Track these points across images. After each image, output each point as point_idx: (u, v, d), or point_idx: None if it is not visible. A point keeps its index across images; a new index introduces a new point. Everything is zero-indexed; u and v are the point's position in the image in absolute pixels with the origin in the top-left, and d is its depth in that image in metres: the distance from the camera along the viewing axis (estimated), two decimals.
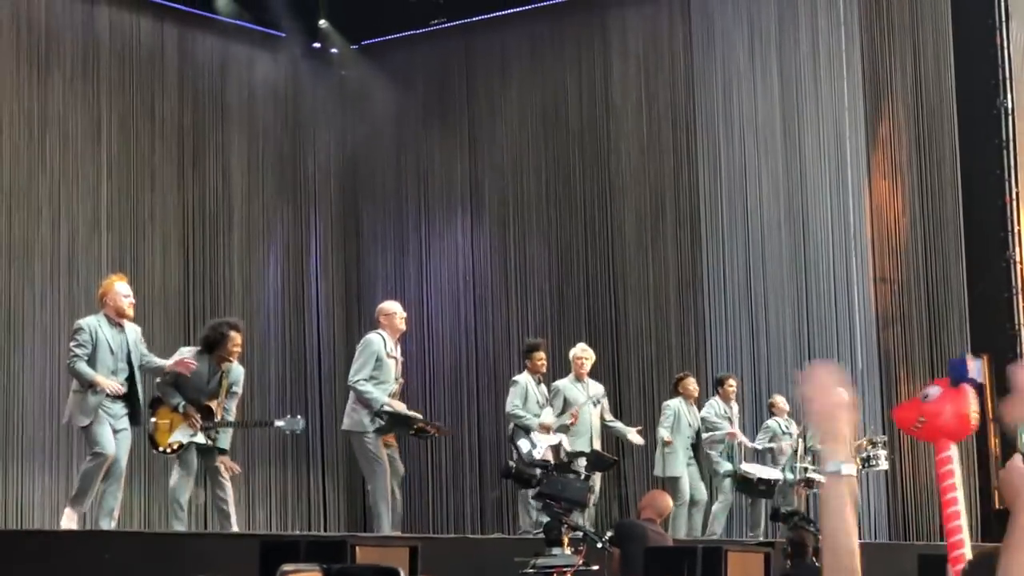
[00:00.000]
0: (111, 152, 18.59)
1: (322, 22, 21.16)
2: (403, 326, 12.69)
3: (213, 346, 11.89)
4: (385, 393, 12.34)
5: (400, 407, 12.42)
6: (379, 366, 12.39)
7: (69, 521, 11.07)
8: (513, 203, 20.54)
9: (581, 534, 9.37)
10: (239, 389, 12.13)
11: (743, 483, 16.13)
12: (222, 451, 11.95)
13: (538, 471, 9.04)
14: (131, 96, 18.97)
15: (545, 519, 9.43)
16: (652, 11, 19.89)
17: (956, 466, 4.87)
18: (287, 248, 20.78)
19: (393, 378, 12.51)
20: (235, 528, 12.01)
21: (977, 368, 5.30)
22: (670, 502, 11.76)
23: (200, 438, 11.76)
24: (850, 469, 3.00)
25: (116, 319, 11.31)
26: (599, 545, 9.95)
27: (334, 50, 21.69)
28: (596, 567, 9.39)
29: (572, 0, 20.32)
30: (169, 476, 12.09)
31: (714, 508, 16.35)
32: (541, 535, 9.47)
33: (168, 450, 11.79)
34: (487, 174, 20.84)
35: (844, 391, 3.04)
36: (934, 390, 5.08)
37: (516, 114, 20.72)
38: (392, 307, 12.87)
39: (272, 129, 20.75)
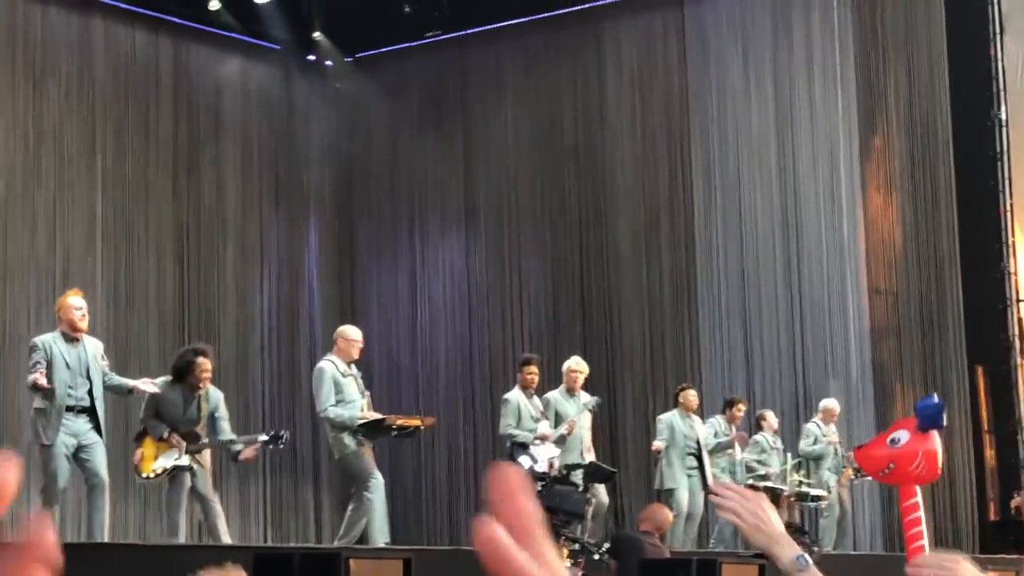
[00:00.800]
0: (106, 165, 18.59)
1: (317, 35, 21.19)
2: (356, 354, 12.70)
3: (182, 374, 11.89)
4: (356, 409, 12.35)
5: (373, 416, 12.41)
6: (340, 388, 12.39)
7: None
8: (508, 216, 20.55)
9: (579, 546, 9.38)
10: (223, 412, 12.12)
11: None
12: (235, 455, 12.07)
13: (538, 484, 9.04)
14: (126, 109, 18.97)
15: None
16: (646, 24, 19.92)
17: (921, 514, 4.82)
18: (282, 261, 20.78)
19: (359, 394, 12.49)
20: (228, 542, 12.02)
21: (944, 414, 5.24)
22: (669, 516, 11.76)
23: (184, 460, 11.77)
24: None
25: (72, 333, 11.31)
26: (596, 557, 9.97)
27: (329, 63, 21.71)
28: None
29: (566, 13, 20.34)
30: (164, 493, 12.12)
31: (720, 521, 16.35)
32: None
33: (152, 475, 11.79)
34: (481, 187, 20.85)
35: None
36: (903, 434, 5.00)
37: (511, 127, 20.74)
38: (352, 333, 12.87)
39: (267, 142, 20.76)
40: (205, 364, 11.89)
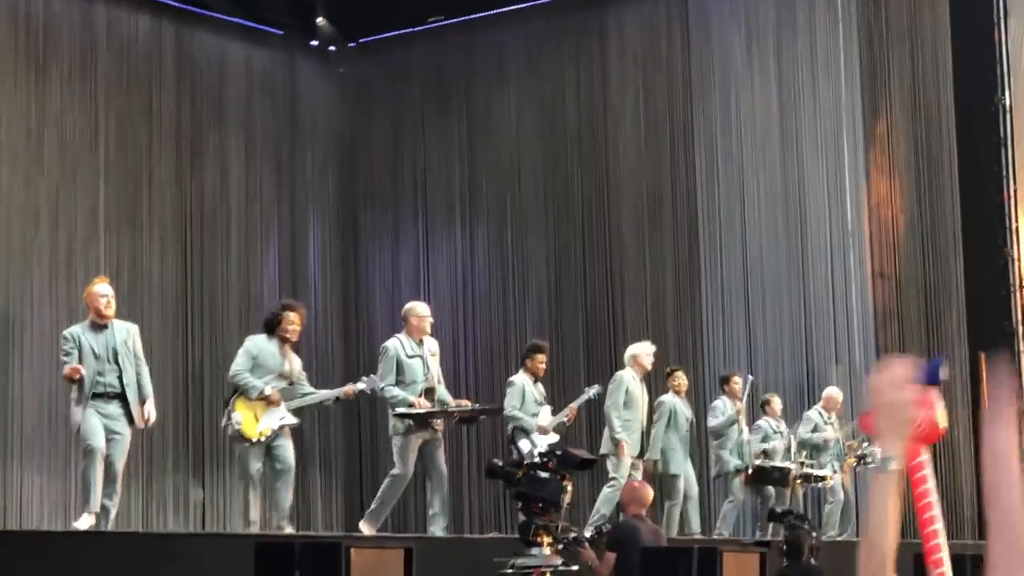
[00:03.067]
0: (109, 151, 18.58)
1: (320, 20, 21.14)
2: (423, 326, 12.81)
3: (271, 327, 12.06)
4: (415, 393, 12.45)
5: (425, 404, 12.50)
6: (401, 368, 12.54)
7: (83, 523, 11.15)
8: (511, 201, 20.54)
9: (572, 534, 9.37)
10: (304, 374, 12.34)
11: (759, 474, 16.13)
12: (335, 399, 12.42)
13: (519, 470, 9.04)
14: (129, 95, 18.95)
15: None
16: (650, 10, 19.88)
17: (930, 472, 4.79)
18: (285, 246, 20.77)
19: (421, 377, 12.60)
20: (289, 529, 12.04)
21: (944, 369, 5.20)
22: (650, 491, 11.70)
23: (289, 418, 11.85)
24: (897, 465, 2.98)
25: (99, 321, 11.41)
26: (588, 537, 9.98)
27: (331, 48, 21.69)
28: (576, 567, 9.40)
29: None
30: (243, 470, 12.08)
31: (724, 508, 16.37)
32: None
33: (262, 438, 11.78)
34: (484, 172, 20.83)
35: (913, 388, 3.01)
36: None
37: (514, 112, 20.72)
38: (420, 310, 13.09)
39: (270, 127, 20.74)
40: (291, 317, 12.02)
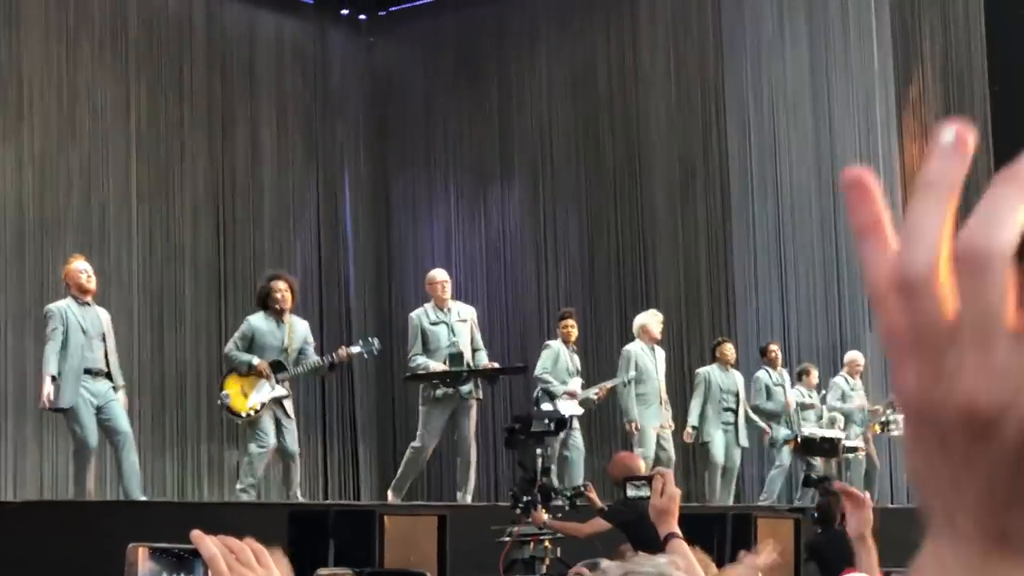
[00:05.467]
0: (140, 123, 18.61)
1: None
2: (442, 293, 12.83)
3: (264, 301, 12.07)
4: (439, 359, 12.52)
5: (437, 366, 12.56)
6: (426, 336, 12.60)
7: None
8: (542, 169, 20.51)
9: (567, 495, 9.43)
10: (311, 340, 12.32)
11: (806, 444, 16.05)
12: (330, 366, 12.34)
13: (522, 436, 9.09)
14: (160, 66, 18.98)
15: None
16: None
17: None
18: (318, 216, 20.81)
19: (446, 343, 12.64)
20: (299, 498, 12.10)
21: None
22: (639, 460, 11.64)
23: (279, 390, 11.86)
24: None
25: (81, 297, 11.43)
26: (567, 499, 9.98)
27: (362, 17, 21.67)
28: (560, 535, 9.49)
29: None
30: (244, 445, 12.12)
31: (771, 473, 16.33)
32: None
33: (252, 413, 11.83)
34: (516, 140, 20.81)
35: None
36: None
37: (545, 80, 20.68)
38: (430, 275, 13.23)
39: (301, 97, 20.75)
40: (278, 285, 12.04)
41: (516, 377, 19.72)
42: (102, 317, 11.46)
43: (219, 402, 12.01)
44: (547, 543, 9.85)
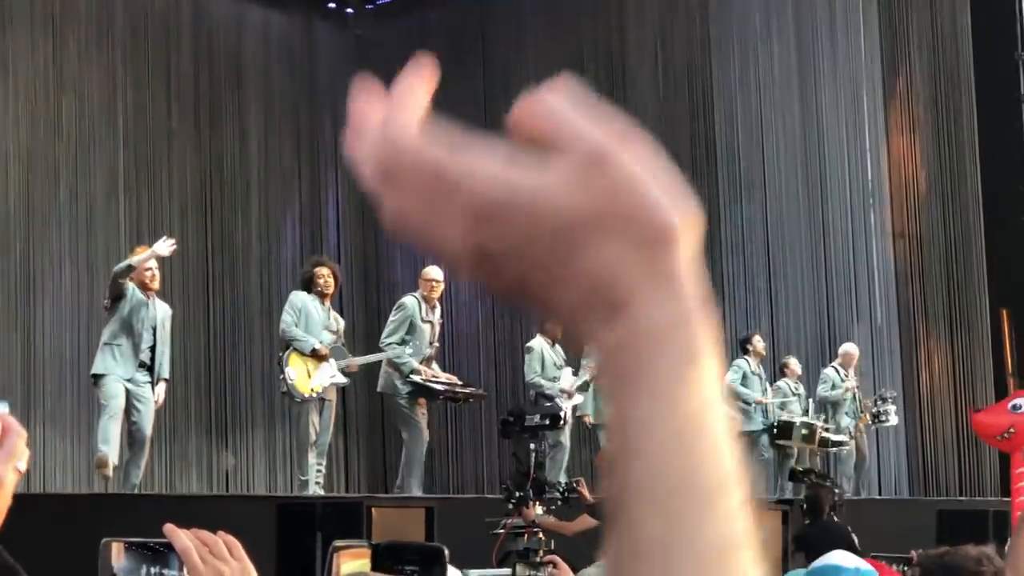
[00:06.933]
0: (127, 116, 18.58)
1: None
2: (431, 293, 12.79)
3: (307, 284, 12.15)
4: (417, 358, 12.43)
5: (429, 373, 12.53)
6: (412, 330, 12.51)
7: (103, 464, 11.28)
8: None
9: (560, 490, 9.43)
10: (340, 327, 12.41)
11: (784, 429, 16.03)
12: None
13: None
14: (146, 59, 18.95)
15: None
16: None
17: None
18: (305, 209, 20.79)
19: (427, 343, 12.59)
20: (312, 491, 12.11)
21: None
22: None
23: (339, 377, 11.95)
24: None
25: (143, 293, 11.49)
26: (560, 494, 9.98)
27: (349, 10, 21.64)
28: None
29: None
30: (295, 428, 12.14)
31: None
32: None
33: (315, 394, 11.91)
34: (503, 134, 20.74)
35: None
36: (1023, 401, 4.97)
37: (532, 75, 20.63)
38: (424, 272, 13.02)
39: (288, 90, 20.73)
40: (322, 271, 12.12)
41: (503, 372, 19.77)
42: (159, 313, 11.51)
43: (282, 377, 11.94)
44: (540, 535, 9.86)
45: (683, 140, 19.43)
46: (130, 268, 11.36)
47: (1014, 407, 5.00)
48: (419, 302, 12.69)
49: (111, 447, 11.26)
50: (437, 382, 12.67)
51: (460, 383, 13.33)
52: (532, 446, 9.46)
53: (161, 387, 11.68)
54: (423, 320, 12.63)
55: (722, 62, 19.23)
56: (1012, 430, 4.94)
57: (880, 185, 18.25)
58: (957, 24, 17.72)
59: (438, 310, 12.88)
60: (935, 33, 17.92)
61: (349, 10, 21.63)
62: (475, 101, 20.97)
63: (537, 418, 10.39)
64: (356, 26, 21.74)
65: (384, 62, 21.47)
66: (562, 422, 12.24)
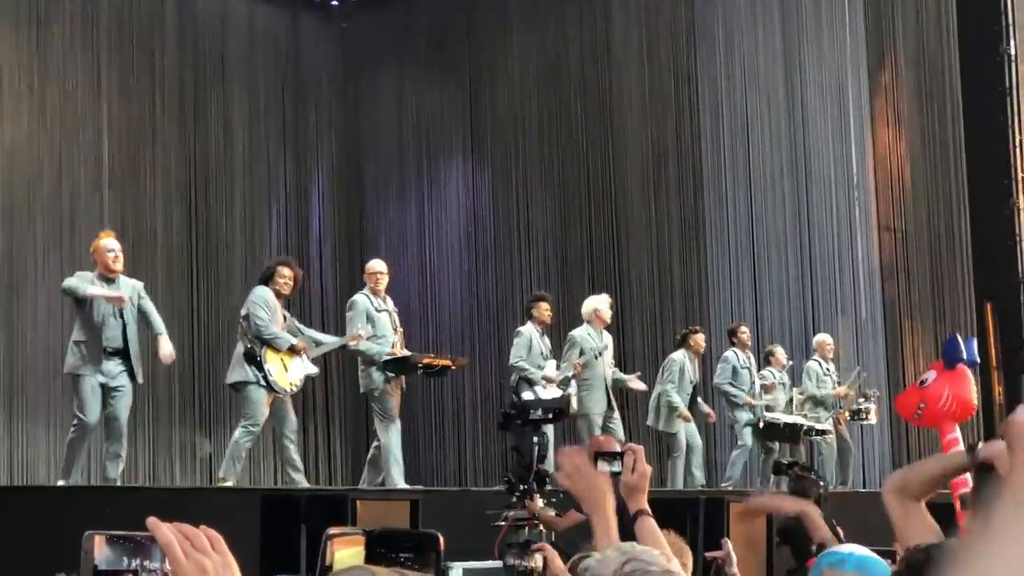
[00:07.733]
0: (111, 108, 18.54)
1: None
2: (379, 286, 12.98)
3: (266, 279, 12.21)
4: (387, 345, 12.57)
5: (402, 353, 12.68)
6: (372, 321, 12.63)
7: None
8: (515, 153, 20.50)
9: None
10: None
11: (768, 429, 16.06)
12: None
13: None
14: (131, 51, 18.90)
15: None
16: None
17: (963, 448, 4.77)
18: (289, 201, 20.76)
19: (392, 330, 12.75)
20: (303, 483, 12.12)
21: (973, 347, 5.19)
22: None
23: (311, 368, 12.00)
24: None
25: (108, 276, 11.38)
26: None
27: (334, 2, 21.61)
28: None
29: None
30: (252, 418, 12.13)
31: (733, 455, 16.34)
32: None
33: (295, 388, 11.99)
34: (488, 124, 20.79)
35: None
36: (930, 374, 4.98)
37: (517, 65, 20.66)
38: (370, 265, 13.33)
39: (273, 82, 20.70)
40: (283, 271, 12.13)
41: (487, 361, 19.76)
42: (124, 291, 11.40)
43: (260, 374, 11.90)
44: (541, 527, 9.85)
45: (668, 132, 19.43)
46: (74, 296, 11.32)
47: (922, 382, 5.00)
48: (368, 297, 12.85)
49: (69, 478, 11.20)
50: (410, 353, 12.89)
51: (423, 355, 13.50)
52: (535, 439, 9.43)
53: (163, 339, 11.62)
54: (378, 311, 12.78)
55: (708, 54, 19.22)
56: (923, 404, 4.93)
57: (864, 179, 18.25)
58: (943, 17, 17.72)
59: (389, 300, 13.03)
60: (920, 26, 17.92)
61: (334, 2, 21.60)
62: (461, 91, 20.97)
63: (540, 411, 10.37)
64: (341, 18, 21.71)
65: (369, 54, 21.45)
66: (566, 416, 12.22)
